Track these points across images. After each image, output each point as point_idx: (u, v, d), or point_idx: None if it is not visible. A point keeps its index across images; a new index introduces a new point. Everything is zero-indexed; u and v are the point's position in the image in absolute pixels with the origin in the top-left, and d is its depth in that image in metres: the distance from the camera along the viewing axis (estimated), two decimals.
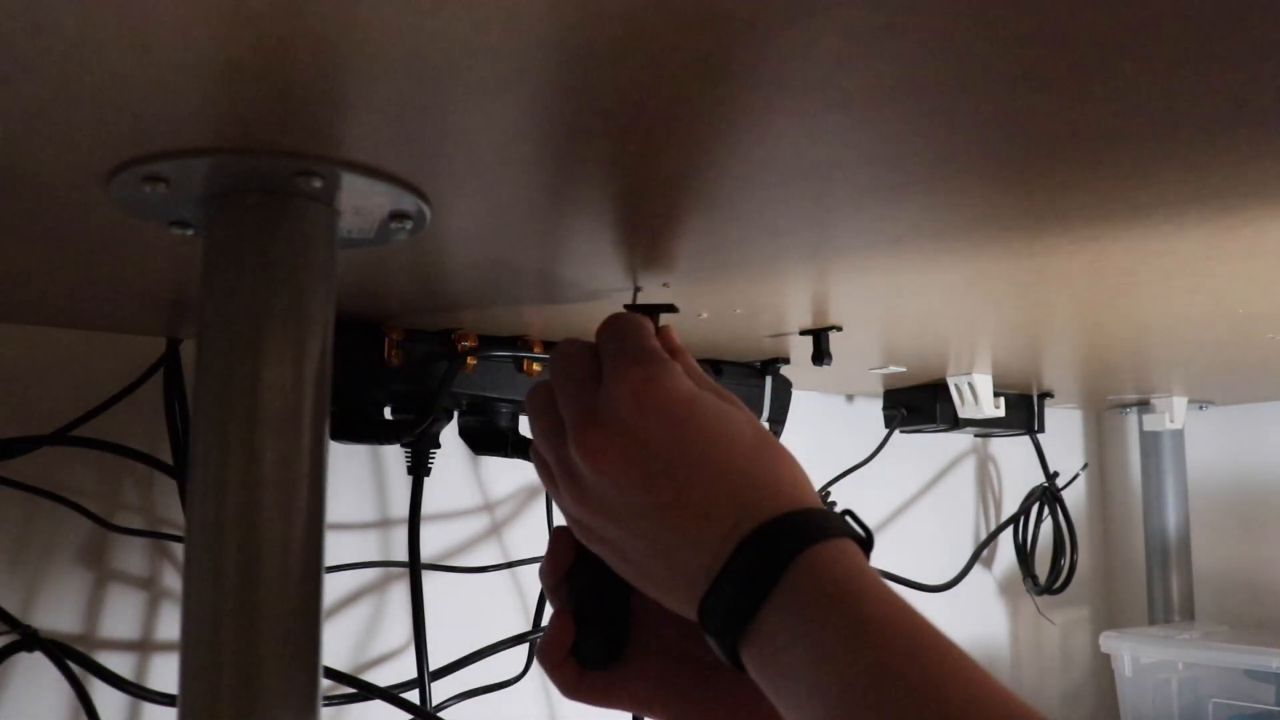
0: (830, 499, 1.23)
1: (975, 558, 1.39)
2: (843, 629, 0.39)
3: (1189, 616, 1.50)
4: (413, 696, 0.85)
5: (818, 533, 0.42)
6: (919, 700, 0.36)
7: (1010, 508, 1.46)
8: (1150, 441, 1.53)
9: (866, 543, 0.44)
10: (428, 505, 0.94)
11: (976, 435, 1.45)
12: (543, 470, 0.51)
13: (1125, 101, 0.37)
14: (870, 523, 1.35)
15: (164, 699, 0.76)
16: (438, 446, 0.87)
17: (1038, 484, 1.41)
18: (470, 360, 0.79)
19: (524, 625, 1.00)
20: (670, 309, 0.65)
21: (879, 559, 1.28)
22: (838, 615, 0.39)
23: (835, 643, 0.38)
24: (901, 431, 1.24)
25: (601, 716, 0.90)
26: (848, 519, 0.45)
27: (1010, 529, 1.43)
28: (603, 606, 0.50)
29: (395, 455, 0.96)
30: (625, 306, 0.65)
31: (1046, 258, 0.60)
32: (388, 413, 0.83)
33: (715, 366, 0.97)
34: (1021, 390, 1.26)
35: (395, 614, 0.96)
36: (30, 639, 0.72)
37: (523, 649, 0.97)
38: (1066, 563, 1.38)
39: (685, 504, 0.44)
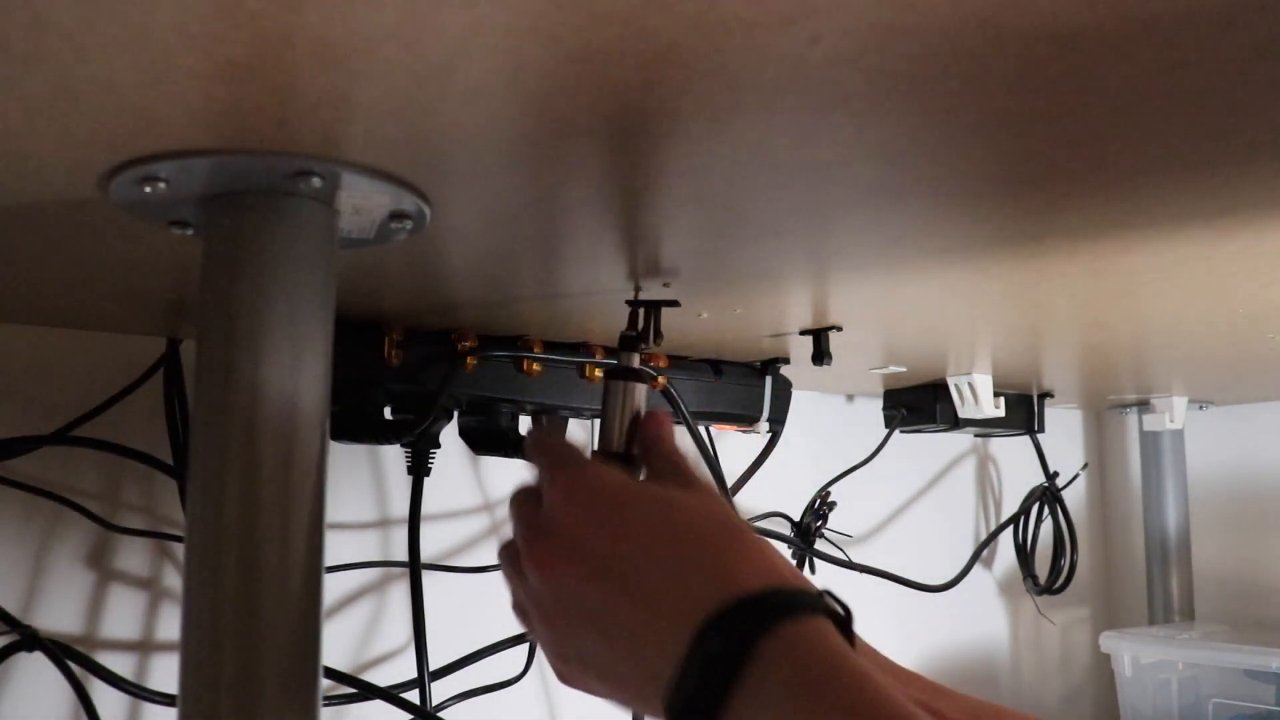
0: (830, 499, 1.23)
1: (975, 558, 1.39)
2: (816, 713, 0.36)
3: (1189, 616, 1.50)
4: (413, 696, 0.85)
5: (785, 611, 0.38)
6: None
7: (1010, 508, 1.46)
8: (1150, 441, 1.53)
9: (846, 620, 0.40)
10: (428, 505, 0.94)
11: (976, 435, 1.45)
12: (520, 614, 0.50)
13: (1125, 102, 0.37)
14: (870, 523, 1.35)
15: (164, 699, 0.76)
16: (438, 446, 0.87)
17: (1038, 484, 1.41)
18: (470, 360, 0.79)
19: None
20: (673, 304, 0.65)
21: (879, 559, 1.28)
22: (812, 709, 0.36)
23: None
24: (901, 431, 1.24)
25: (602, 715, 0.90)
26: (825, 596, 0.41)
27: (1010, 529, 1.43)
28: None
29: (395, 455, 0.96)
30: (627, 303, 0.65)
31: (1046, 258, 0.60)
32: (388, 413, 0.83)
33: (715, 366, 0.97)
34: (1021, 390, 1.26)
35: (395, 614, 0.96)
36: (30, 639, 0.72)
37: (523, 649, 0.97)
38: (1066, 563, 1.38)
39: (633, 598, 0.42)
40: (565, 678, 0.47)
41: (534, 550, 0.46)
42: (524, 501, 0.50)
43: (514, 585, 0.50)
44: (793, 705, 0.36)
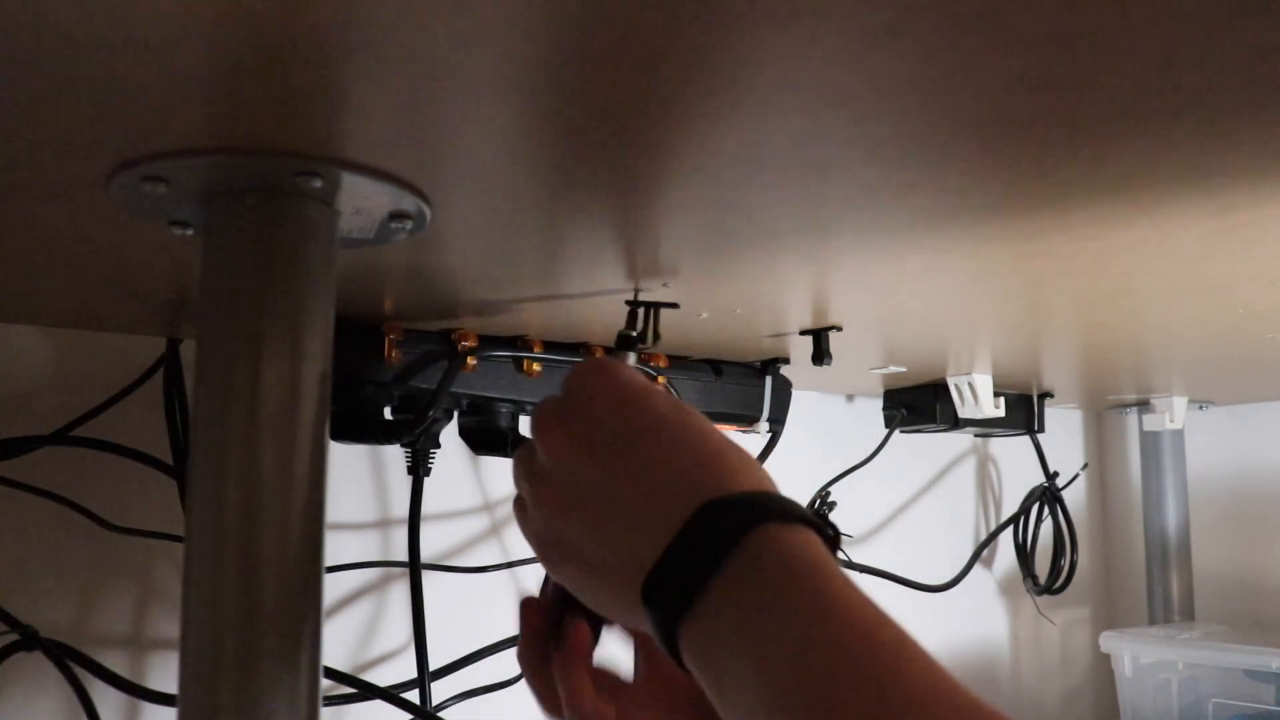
0: (830, 499, 1.23)
1: (975, 558, 1.39)
2: (797, 616, 0.36)
3: (1189, 616, 1.50)
4: (413, 696, 0.85)
5: (778, 514, 0.39)
6: (877, 702, 0.33)
7: (1010, 508, 1.46)
8: (1150, 441, 1.53)
9: (833, 539, 0.41)
10: (428, 505, 0.94)
11: (976, 435, 1.45)
12: (518, 509, 0.50)
13: (1125, 101, 0.37)
14: (870, 523, 1.35)
15: (164, 699, 0.76)
16: (438, 446, 0.87)
17: (1038, 484, 1.41)
18: (470, 360, 0.79)
19: None
20: (671, 305, 0.65)
21: (879, 559, 1.28)
22: (793, 601, 0.37)
23: (787, 630, 0.36)
24: (901, 431, 1.24)
25: None
26: (817, 514, 0.43)
27: (1010, 529, 1.43)
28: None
29: (395, 455, 0.96)
30: (627, 303, 0.65)
31: (1046, 258, 0.60)
32: (388, 413, 0.83)
33: (715, 366, 0.97)
34: (1021, 390, 1.26)
35: (395, 614, 0.96)
36: (30, 639, 0.72)
37: None
38: (1066, 563, 1.38)
39: (634, 477, 0.42)
40: (545, 560, 0.47)
41: (540, 420, 0.46)
42: (549, 397, 0.50)
43: (519, 477, 0.49)
44: (770, 595, 0.37)
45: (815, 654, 0.35)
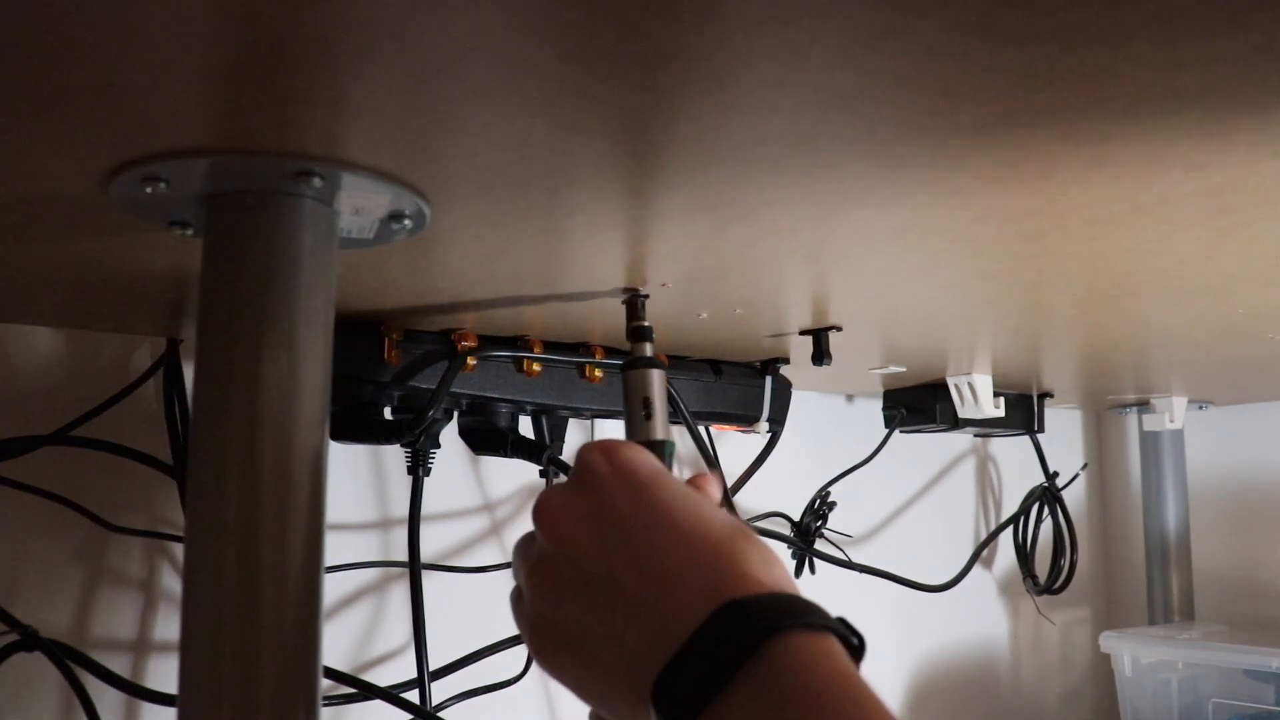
0: (830, 499, 1.23)
1: (975, 558, 1.39)
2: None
3: (1189, 616, 1.50)
4: (413, 696, 0.85)
5: (802, 619, 0.37)
6: None
7: (1010, 508, 1.47)
8: (1150, 441, 1.53)
9: (859, 649, 0.39)
10: (428, 505, 0.94)
11: (976, 435, 1.45)
12: (514, 599, 0.47)
13: (1125, 101, 0.37)
14: (870, 523, 1.35)
15: (164, 699, 0.76)
16: (438, 446, 0.87)
17: (1038, 484, 1.41)
18: (470, 360, 0.79)
19: None
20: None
21: (879, 559, 1.28)
22: (813, 713, 0.34)
23: None
24: (901, 431, 1.24)
25: None
26: (841, 621, 0.39)
27: (1010, 529, 1.43)
28: None
29: (395, 455, 0.96)
30: (624, 302, 0.65)
31: (1046, 258, 0.60)
32: (388, 413, 0.83)
33: (715, 366, 0.97)
34: (1021, 390, 1.26)
35: (395, 614, 0.96)
36: (30, 639, 0.72)
37: (523, 649, 0.97)
38: (1066, 563, 1.38)
39: (644, 570, 0.40)
40: (537, 651, 0.44)
41: (555, 508, 0.44)
42: (556, 484, 0.48)
43: (517, 565, 0.47)
44: (787, 712, 0.35)
45: None
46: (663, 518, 0.41)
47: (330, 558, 0.71)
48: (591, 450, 0.45)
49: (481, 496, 1.03)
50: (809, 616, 0.37)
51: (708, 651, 0.37)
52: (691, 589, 0.39)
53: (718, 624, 0.37)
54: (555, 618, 0.43)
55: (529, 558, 0.45)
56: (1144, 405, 1.44)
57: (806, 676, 0.35)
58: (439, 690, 0.89)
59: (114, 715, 0.80)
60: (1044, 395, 1.29)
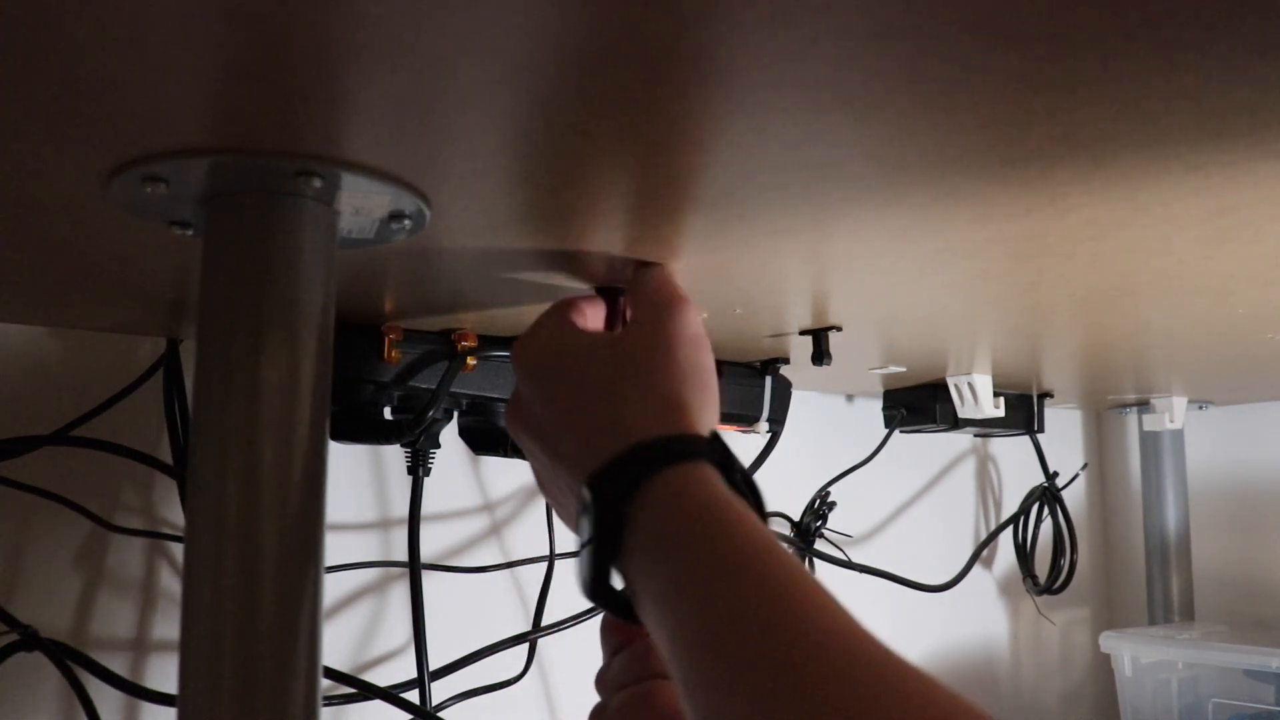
0: (830, 499, 1.23)
1: (975, 558, 1.39)
2: (693, 567, 0.36)
3: (1189, 616, 1.50)
4: (413, 696, 0.85)
5: (662, 460, 0.40)
6: (775, 641, 0.32)
7: (1010, 508, 1.47)
8: (1150, 441, 1.53)
9: (726, 463, 0.42)
10: (428, 505, 0.94)
11: (976, 435, 1.45)
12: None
13: (1124, 102, 0.37)
14: (870, 523, 1.35)
15: (163, 699, 0.76)
16: (438, 446, 0.87)
17: (1037, 484, 1.41)
18: (470, 360, 0.79)
19: (524, 625, 1.00)
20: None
21: (879, 559, 1.28)
22: (689, 550, 0.37)
23: (687, 583, 0.36)
24: (901, 431, 1.24)
25: None
26: (711, 441, 0.43)
27: (1010, 529, 1.43)
28: None
29: (395, 455, 0.96)
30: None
31: (1046, 258, 0.60)
32: (388, 413, 0.83)
33: (715, 366, 0.97)
34: (1021, 390, 1.26)
35: (395, 614, 0.96)
36: (30, 639, 0.72)
37: (523, 649, 0.97)
38: (1066, 563, 1.38)
39: (559, 453, 0.46)
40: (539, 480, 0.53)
41: (511, 416, 0.51)
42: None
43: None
44: (667, 557, 0.37)
45: (714, 615, 0.35)
46: (558, 401, 0.47)
47: (330, 558, 0.71)
48: (514, 349, 0.52)
49: (481, 496, 1.03)
50: (672, 454, 0.41)
51: (598, 523, 0.40)
52: (584, 461, 0.43)
53: (596, 494, 0.41)
54: (540, 455, 0.50)
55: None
56: (1144, 405, 1.44)
57: (677, 515, 0.39)
58: (439, 690, 0.89)
59: (114, 715, 0.80)
60: (1044, 395, 1.29)
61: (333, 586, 0.92)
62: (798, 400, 1.04)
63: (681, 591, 0.36)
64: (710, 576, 0.35)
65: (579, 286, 0.65)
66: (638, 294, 0.54)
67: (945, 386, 1.13)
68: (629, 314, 0.54)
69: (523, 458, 0.81)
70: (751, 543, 0.36)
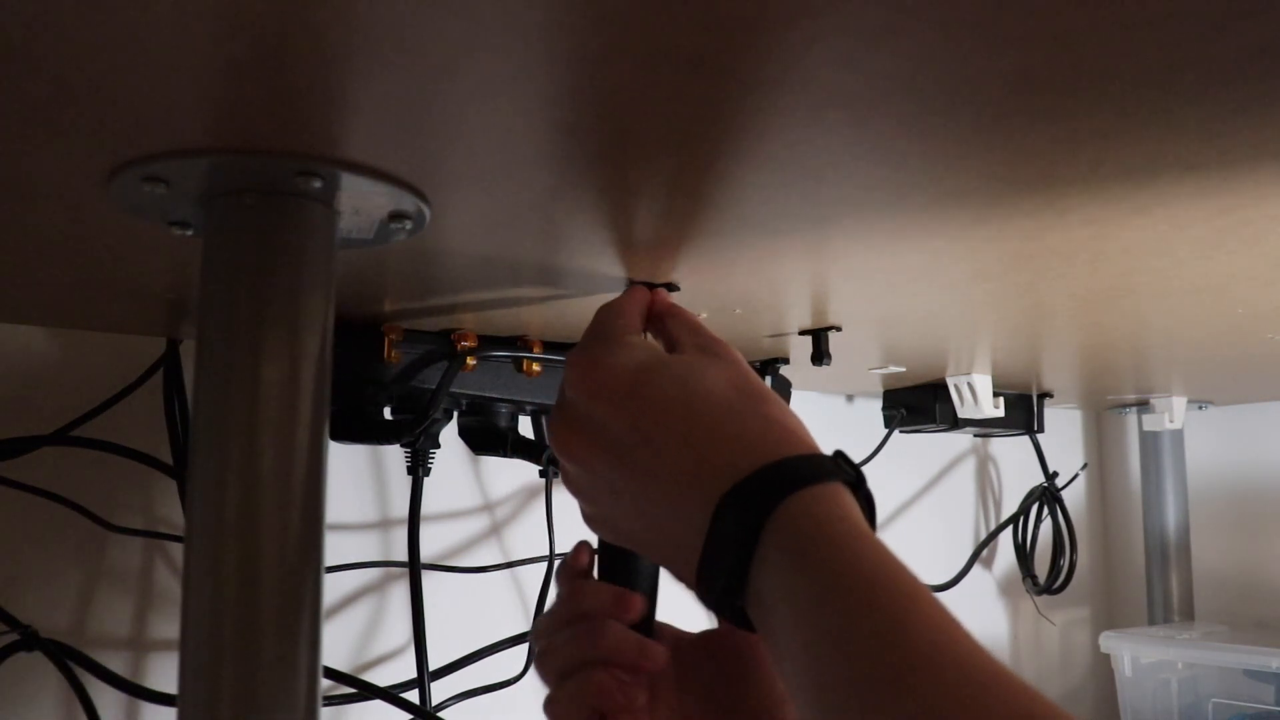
0: None
1: (975, 558, 1.39)
2: (816, 581, 0.37)
3: (1189, 616, 1.50)
4: (413, 696, 0.85)
5: (790, 483, 0.39)
6: (883, 648, 0.33)
7: (1010, 508, 1.47)
8: (1150, 441, 1.53)
9: (855, 482, 0.41)
10: (428, 505, 0.94)
11: (976, 435, 1.45)
12: (567, 485, 0.52)
13: (1124, 102, 0.37)
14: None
15: (163, 699, 0.76)
16: (438, 446, 0.87)
17: (1037, 484, 1.41)
18: (470, 360, 0.79)
19: (524, 625, 1.00)
20: (671, 288, 0.65)
21: None
22: (811, 567, 0.37)
23: (810, 597, 0.36)
24: (901, 431, 1.24)
25: None
26: (838, 460, 0.42)
27: (1010, 529, 1.43)
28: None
29: (395, 455, 0.96)
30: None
31: (1046, 258, 0.60)
32: (388, 413, 0.83)
33: None
34: (1021, 390, 1.26)
35: (395, 614, 0.96)
36: (30, 639, 0.72)
37: (523, 649, 0.97)
38: (1066, 563, 1.38)
39: (657, 476, 0.43)
40: (605, 538, 0.50)
41: (553, 428, 0.48)
42: (555, 408, 0.51)
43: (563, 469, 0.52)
44: (799, 578, 0.37)
45: (830, 624, 0.36)
46: (656, 421, 0.44)
47: (330, 558, 0.71)
48: (575, 368, 0.48)
49: (481, 496, 1.03)
50: (796, 479, 0.39)
51: (724, 546, 0.39)
52: (701, 483, 0.41)
53: (724, 517, 0.40)
54: (608, 517, 0.47)
55: (565, 472, 0.49)
56: (1144, 405, 1.44)
57: (803, 535, 0.38)
58: (439, 690, 0.89)
59: (114, 715, 0.80)
60: (1044, 395, 1.29)
61: (333, 586, 0.92)
62: (798, 400, 1.04)
63: (808, 608, 0.36)
64: (856, 588, 0.36)
65: (579, 287, 0.66)
66: (676, 318, 0.53)
67: (945, 386, 1.13)
68: (675, 335, 0.52)
69: (523, 457, 0.81)
70: (887, 561, 0.37)
